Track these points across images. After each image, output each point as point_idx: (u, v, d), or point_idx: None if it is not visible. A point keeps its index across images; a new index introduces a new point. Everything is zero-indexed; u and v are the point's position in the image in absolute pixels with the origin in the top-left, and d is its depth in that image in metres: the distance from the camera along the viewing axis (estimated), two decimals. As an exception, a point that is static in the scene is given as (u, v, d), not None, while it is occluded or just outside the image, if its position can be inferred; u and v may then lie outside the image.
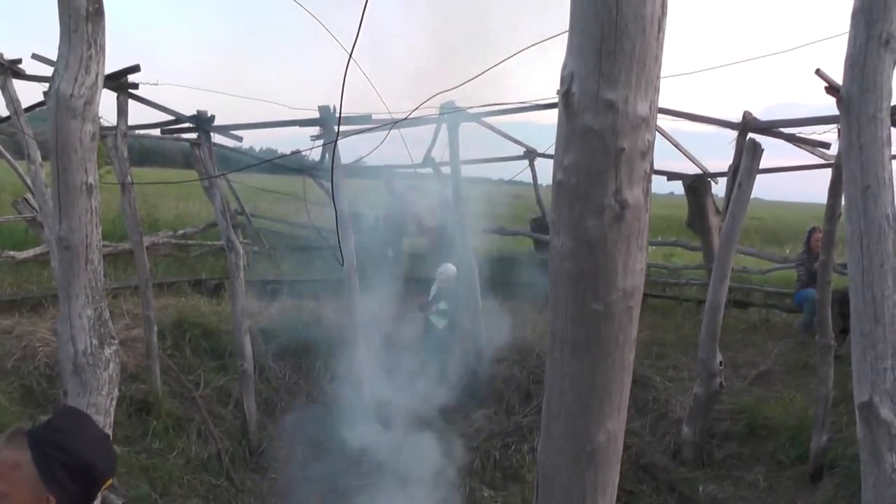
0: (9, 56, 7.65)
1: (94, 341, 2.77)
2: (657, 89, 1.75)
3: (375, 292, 8.16)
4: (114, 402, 2.90)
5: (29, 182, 8.84)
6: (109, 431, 2.82)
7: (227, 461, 7.32)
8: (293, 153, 9.04)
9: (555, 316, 1.82)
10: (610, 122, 1.67)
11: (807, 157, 8.75)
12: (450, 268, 8.65)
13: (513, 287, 10.64)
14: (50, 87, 2.81)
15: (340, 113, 3.05)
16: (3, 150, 10.57)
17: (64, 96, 2.76)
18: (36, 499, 1.83)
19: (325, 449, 7.22)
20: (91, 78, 2.78)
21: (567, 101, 1.68)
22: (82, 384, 2.81)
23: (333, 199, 4.81)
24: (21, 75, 7.88)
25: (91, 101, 2.79)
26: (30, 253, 11.15)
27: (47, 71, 7.92)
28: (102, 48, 2.80)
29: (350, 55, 2.80)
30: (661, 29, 1.71)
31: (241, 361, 7.72)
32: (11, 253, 11.22)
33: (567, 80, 1.68)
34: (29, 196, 9.82)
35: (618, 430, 1.86)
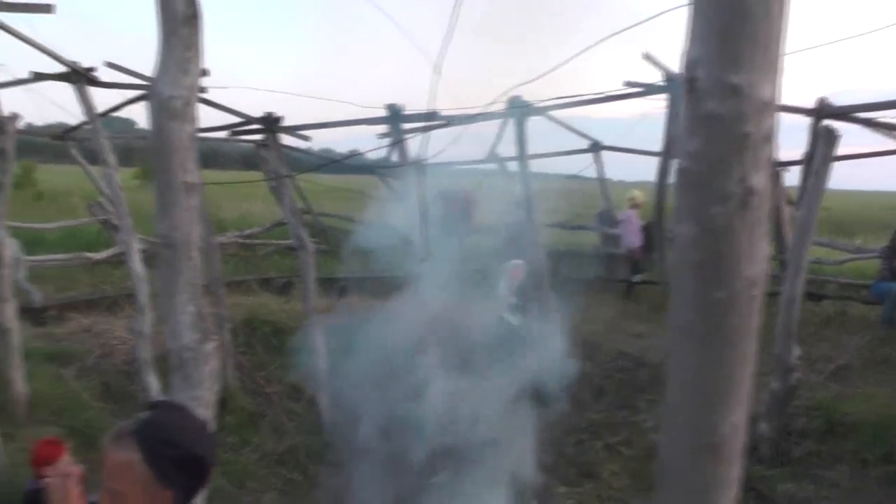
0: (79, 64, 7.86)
1: (197, 337, 2.83)
2: (781, 71, 1.72)
3: (444, 289, 8.16)
4: (214, 396, 2.96)
5: (103, 186, 9.09)
6: (211, 425, 2.88)
7: (302, 456, 7.41)
8: (352, 154, 9.09)
9: (676, 306, 1.79)
10: (735, 107, 1.64)
11: (881, 143, 8.47)
12: (519, 263, 8.61)
13: (580, 282, 10.54)
14: (150, 90, 2.87)
15: (428, 111, 3.06)
16: (78, 155, 10.91)
17: (163, 98, 2.82)
18: (151, 496, 1.85)
19: (398, 445, 7.24)
20: (189, 80, 2.84)
21: (691, 86, 1.65)
22: (186, 378, 2.87)
23: (416, 197, 4.83)
24: (96, 82, 8.09)
25: (189, 103, 2.85)
26: (104, 254, 11.49)
27: (121, 78, 8.15)
28: (200, 50, 2.86)
29: (435, 65, 2.80)
30: (784, 10, 1.68)
31: (313, 358, 7.80)
32: (87, 254, 11.59)
33: (691, 65, 1.65)
34: (102, 199, 10.11)
35: (741, 423, 1.82)
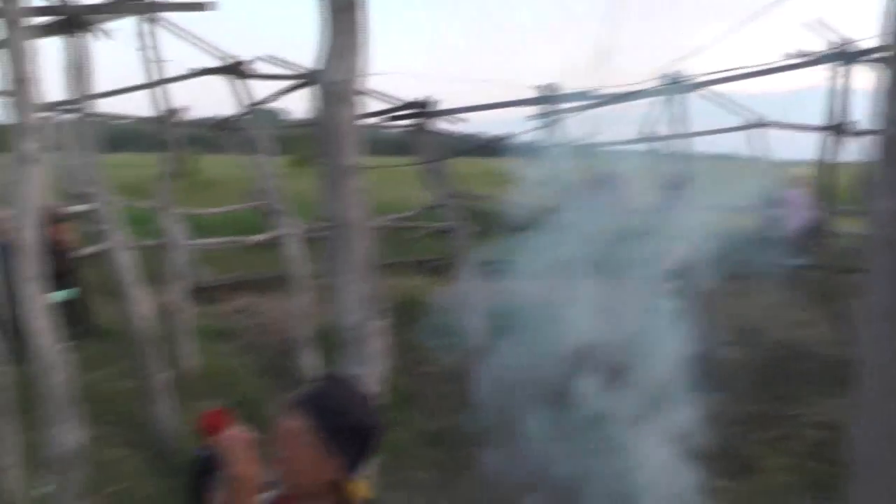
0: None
1: (365, 314, 2.92)
2: None
3: (598, 273, 7.99)
4: (383, 372, 3.04)
5: (257, 173, 9.55)
6: (380, 400, 2.97)
7: (455, 436, 7.47)
8: (505, 136, 9.04)
9: (873, 287, 1.66)
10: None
11: None
12: (678, 248, 8.31)
13: (738, 267, 10.06)
14: (316, 75, 2.97)
15: (583, 90, 3.00)
16: (232, 144, 11.54)
17: (329, 83, 2.91)
18: (321, 463, 1.92)
19: (555, 429, 7.17)
20: (354, 64, 2.91)
21: (899, 47, 1.52)
22: (354, 354, 2.96)
23: (570, 179, 4.74)
24: (255, 75, 8.46)
25: (354, 86, 2.92)
26: (262, 237, 12.11)
27: (274, 70, 8.50)
28: (364, 35, 2.92)
29: (597, 45, 2.73)
30: None
31: (467, 339, 7.86)
32: (246, 238, 12.28)
33: (900, 25, 1.52)
34: (259, 186, 10.62)
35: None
